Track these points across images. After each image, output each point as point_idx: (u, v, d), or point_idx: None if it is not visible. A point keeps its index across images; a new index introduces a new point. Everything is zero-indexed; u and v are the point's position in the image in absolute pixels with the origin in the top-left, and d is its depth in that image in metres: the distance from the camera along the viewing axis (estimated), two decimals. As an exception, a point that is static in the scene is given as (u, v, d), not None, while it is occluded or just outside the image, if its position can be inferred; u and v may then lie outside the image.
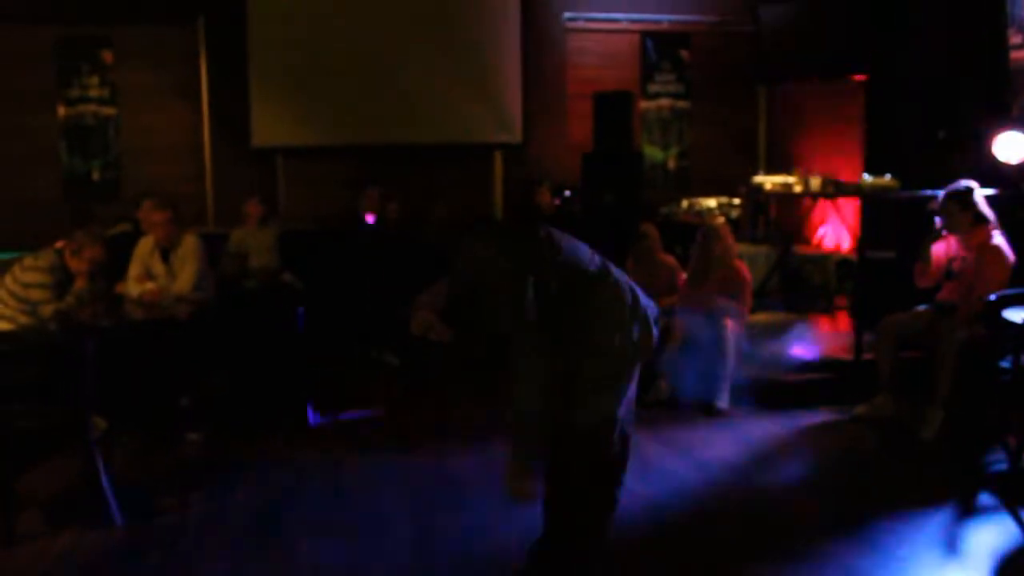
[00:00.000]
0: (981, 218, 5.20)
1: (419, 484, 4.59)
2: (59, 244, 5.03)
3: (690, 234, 8.02)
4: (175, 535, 4.00)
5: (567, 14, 9.17)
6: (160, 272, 5.62)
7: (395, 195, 7.79)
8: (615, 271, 2.94)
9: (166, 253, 5.66)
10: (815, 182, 7.82)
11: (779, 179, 8.22)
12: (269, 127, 8.59)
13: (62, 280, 4.91)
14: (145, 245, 5.71)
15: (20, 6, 8.16)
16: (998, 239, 5.19)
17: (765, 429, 5.31)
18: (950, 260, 5.32)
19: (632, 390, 2.91)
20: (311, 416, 5.60)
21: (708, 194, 8.58)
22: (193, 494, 4.47)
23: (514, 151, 9.06)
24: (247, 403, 5.51)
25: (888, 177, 7.13)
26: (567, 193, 8.52)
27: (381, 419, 5.80)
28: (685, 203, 8.54)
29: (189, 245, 5.67)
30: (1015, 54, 6.63)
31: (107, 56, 8.54)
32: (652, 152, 9.43)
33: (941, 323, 5.17)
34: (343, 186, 8.34)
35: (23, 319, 4.82)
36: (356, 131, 8.74)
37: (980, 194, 5.26)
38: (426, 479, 4.65)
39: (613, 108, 8.06)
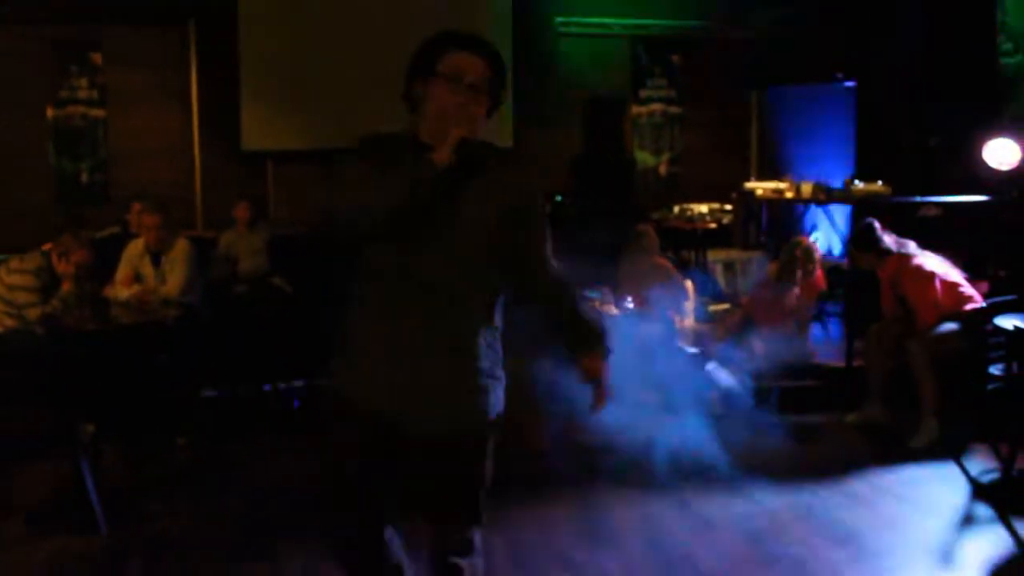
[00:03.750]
0: (884, 252, 5.35)
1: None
2: (46, 247, 4.99)
3: (682, 239, 8.05)
4: (161, 542, 3.96)
5: (559, 18, 9.16)
6: (149, 275, 5.57)
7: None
8: None
9: (156, 256, 5.61)
10: (806, 188, 7.83)
11: (771, 185, 8.24)
12: (258, 131, 8.55)
13: (48, 283, 4.87)
14: (134, 248, 5.66)
15: (12, 8, 8.11)
16: (916, 260, 5.26)
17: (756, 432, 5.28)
18: (893, 285, 5.38)
19: None
20: (299, 419, 5.57)
21: (700, 200, 8.58)
22: (180, 500, 4.43)
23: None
24: (235, 407, 5.48)
25: (879, 183, 7.14)
26: (558, 198, 8.51)
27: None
28: (677, 208, 8.54)
29: (180, 249, 5.63)
30: (1005, 60, 6.65)
31: (96, 58, 8.50)
32: (644, 157, 9.42)
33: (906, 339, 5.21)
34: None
35: (9, 322, 4.78)
36: (346, 135, 8.64)
37: (877, 230, 5.40)
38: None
39: (605, 113, 8.08)
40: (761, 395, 5.45)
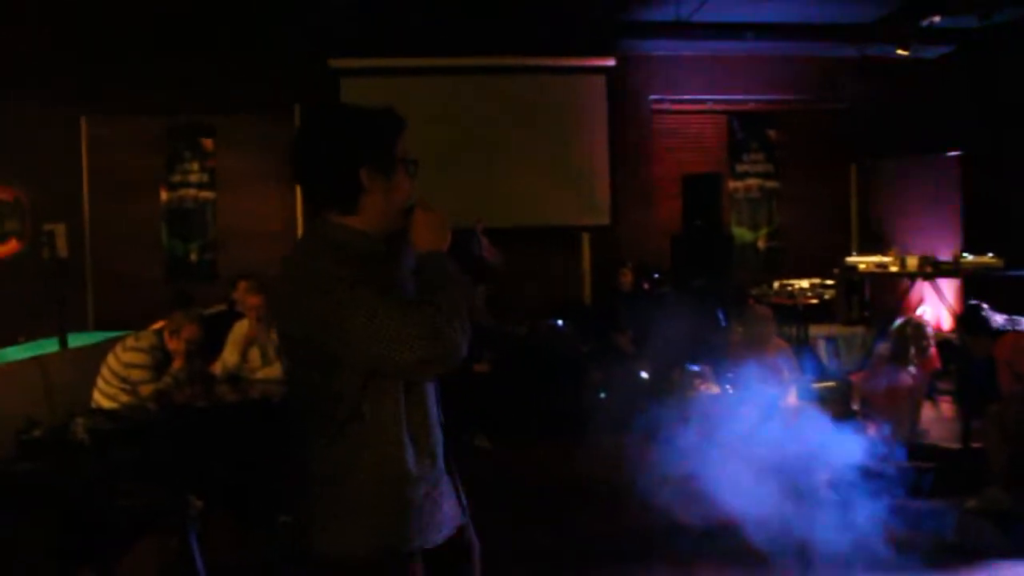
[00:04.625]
0: (996, 332, 5.25)
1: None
2: (158, 324, 5.17)
3: (782, 315, 7.88)
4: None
5: (653, 96, 9.23)
6: (255, 355, 5.71)
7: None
8: None
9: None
10: (912, 261, 7.63)
11: (874, 259, 8.05)
12: (360, 210, 8.75)
13: (161, 360, 5.03)
14: (240, 328, 5.82)
15: (134, 99, 8.57)
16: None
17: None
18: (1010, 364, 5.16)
19: None
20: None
21: (800, 275, 8.42)
22: (283, 577, 4.45)
23: (602, 233, 9.06)
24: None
25: (990, 255, 6.90)
26: (656, 275, 8.46)
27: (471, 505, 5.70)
28: (776, 284, 8.39)
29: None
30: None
31: (208, 143, 8.90)
32: (741, 233, 9.33)
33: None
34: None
35: (124, 398, 4.94)
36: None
37: (985, 310, 5.28)
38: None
39: (701, 189, 8.02)
40: (913, 478, 5.21)
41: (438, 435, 2.16)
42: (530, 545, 4.87)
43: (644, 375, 7.16)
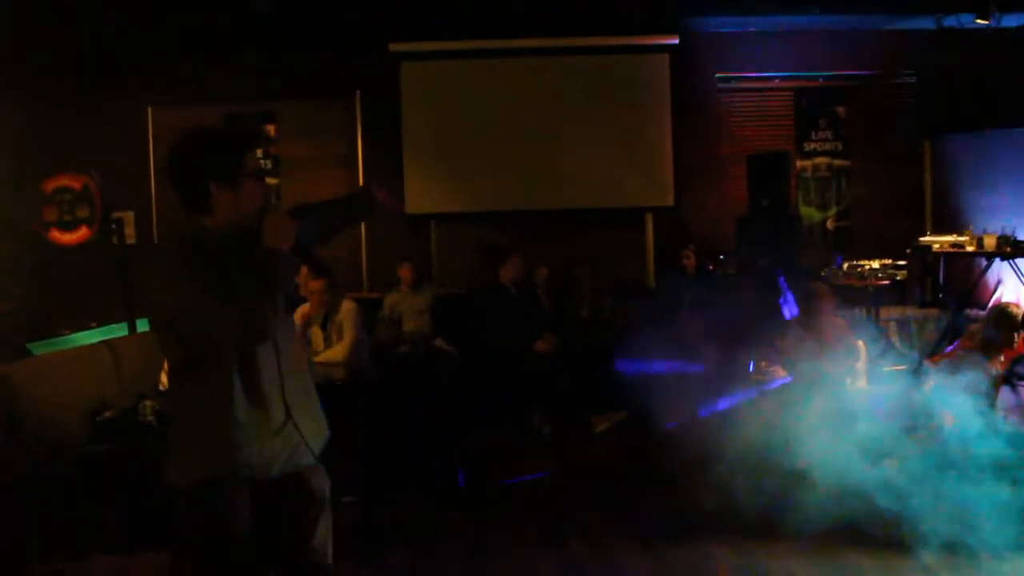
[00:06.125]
0: None
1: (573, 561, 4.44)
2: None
3: (852, 297, 7.68)
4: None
5: (718, 74, 9.05)
6: (317, 338, 5.73)
7: (538, 260, 7.81)
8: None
9: (324, 319, 5.77)
10: (989, 241, 7.36)
11: (948, 238, 7.79)
12: (421, 195, 8.77)
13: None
14: (301, 312, 5.85)
15: (198, 88, 8.69)
16: None
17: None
18: None
19: None
20: (462, 482, 5.55)
21: (870, 256, 8.18)
22: (344, 558, 4.46)
23: (666, 214, 8.93)
24: (400, 467, 5.51)
25: (1074, 234, 6.61)
26: (721, 257, 8.31)
27: (534, 489, 5.67)
28: (846, 265, 8.17)
29: (347, 311, 5.77)
30: None
31: (271, 130, 8.98)
32: (809, 212, 9.11)
33: None
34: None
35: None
36: (506, 198, 8.83)
37: None
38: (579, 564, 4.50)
39: (768, 168, 7.84)
40: None
41: (271, 384, 2.59)
42: (596, 524, 4.83)
43: (710, 357, 7.04)
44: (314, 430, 2.77)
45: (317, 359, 5.67)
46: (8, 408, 4.61)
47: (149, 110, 8.89)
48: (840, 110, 9.15)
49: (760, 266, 7.54)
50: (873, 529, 4.30)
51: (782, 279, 7.08)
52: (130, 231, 8.63)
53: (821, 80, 9.10)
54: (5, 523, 4.07)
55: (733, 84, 9.09)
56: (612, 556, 4.41)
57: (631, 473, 5.75)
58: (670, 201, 8.90)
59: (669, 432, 5.85)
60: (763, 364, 6.02)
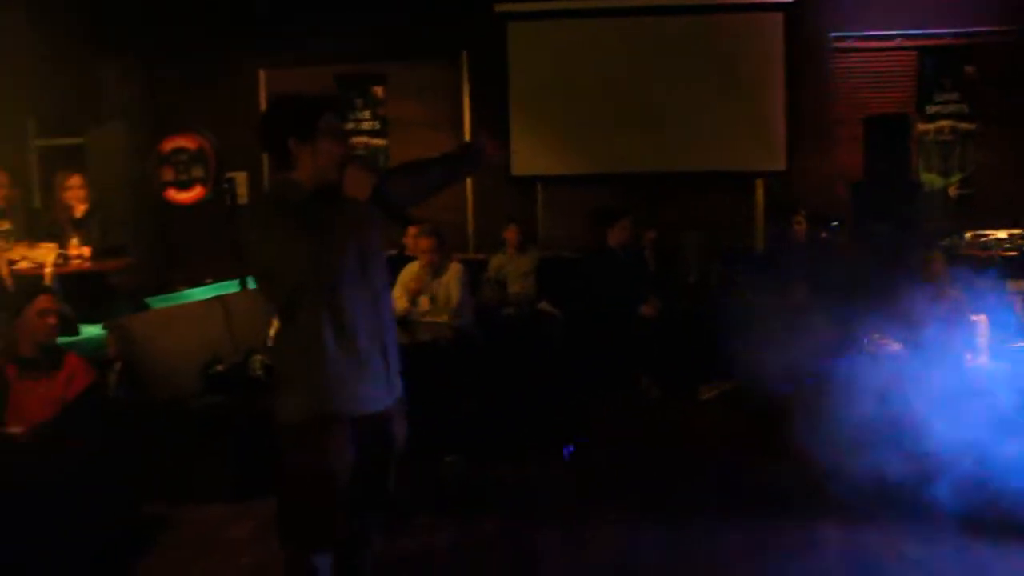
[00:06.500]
0: None
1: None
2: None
3: (976, 269, 7.31)
4: (424, 557, 4.05)
5: (834, 33, 8.68)
6: (424, 297, 5.78)
7: (645, 224, 7.69)
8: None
9: (431, 279, 5.81)
10: None
11: (1084, 207, 7.33)
12: (527, 156, 8.72)
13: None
14: (409, 271, 5.89)
15: (306, 50, 8.81)
16: None
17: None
18: None
19: None
20: (565, 446, 5.53)
21: (996, 225, 7.77)
22: (445, 517, 4.51)
23: (776, 178, 8.67)
24: (503, 428, 5.53)
25: None
26: (834, 224, 8.01)
27: (638, 456, 5.61)
28: (969, 235, 7.77)
29: (453, 272, 5.80)
30: None
31: (379, 91, 9.04)
32: (930, 179, 8.69)
33: None
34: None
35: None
36: (613, 160, 8.71)
37: None
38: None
39: (886, 132, 7.50)
40: None
41: (365, 329, 2.78)
42: (701, 495, 4.76)
43: (820, 327, 6.83)
44: (398, 375, 2.95)
45: (423, 319, 5.71)
46: (127, 358, 4.79)
47: (261, 72, 9.07)
48: (968, 70, 8.66)
49: (876, 234, 7.25)
50: (992, 514, 4.11)
51: (898, 248, 6.80)
52: (242, 191, 8.83)
53: (948, 38, 8.63)
54: (122, 467, 4.24)
55: (851, 43, 8.71)
56: (715, 528, 4.32)
57: (738, 442, 5.63)
58: (781, 165, 8.63)
59: (777, 402, 5.69)
60: (876, 335, 5.81)
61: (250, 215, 2.82)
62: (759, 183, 8.73)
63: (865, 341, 5.82)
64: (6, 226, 6.38)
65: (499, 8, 8.70)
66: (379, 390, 2.84)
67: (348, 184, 2.66)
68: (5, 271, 5.84)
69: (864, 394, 4.79)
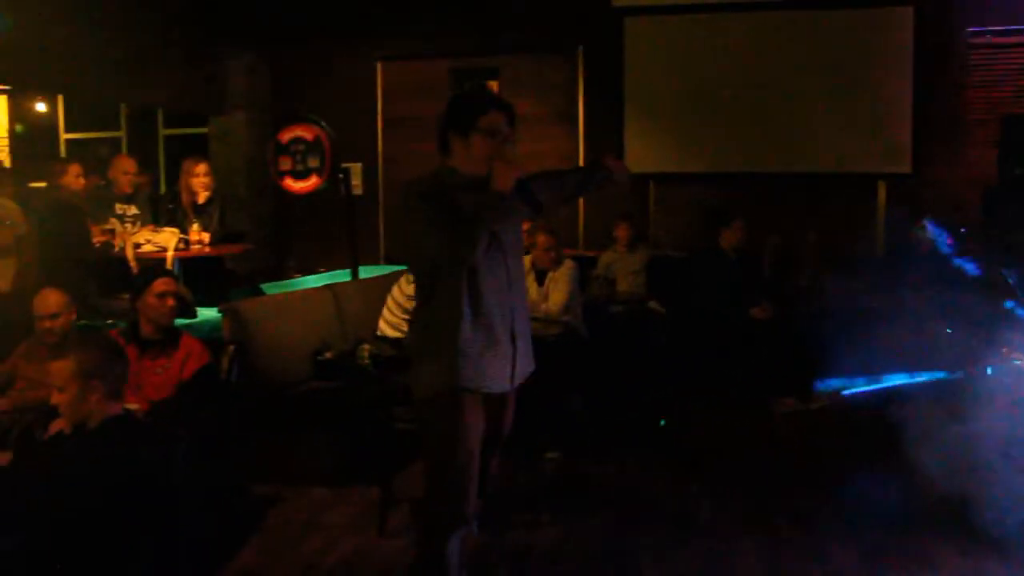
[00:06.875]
0: None
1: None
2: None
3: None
4: (524, 553, 4.03)
5: (970, 28, 8.26)
6: (533, 292, 5.75)
7: (760, 226, 7.48)
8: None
9: (541, 274, 5.78)
10: None
11: None
12: (641, 153, 8.59)
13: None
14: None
15: (423, 44, 8.90)
16: None
17: None
18: None
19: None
20: (671, 445, 5.44)
21: None
22: (546, 513, 4.48)
23: (901, 181, 8.31)
24: (606, 426, 5.47)
25: None
26: (962, 231, 7.63)
27: (744, 462, 5.47)
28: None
29: (564, 268, 5.76)
30: None
31: (494, 85, 9.05)
32: (1072, 184, 8.19)
33: None
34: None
35: (406, 328, 5.14)
36: (728, 159, 8.51)
37: None
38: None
39: (1024, 134, 7.09)
40: None
41: (498, 312, 3.01)
42: (808, 506, 4.59)
43: (939, 339, 6.52)
44: (525, 365, 3.17)
45: (533, 314, 5.68)
46: (240, 341, 4.91)
47: (378, 65, 9.20)
48: (1117, 67, 8.13)
49: (1011, 243, 6.87)
50: None
51: None
52: (356, 182, 8.98)
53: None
54: (233, 448, 4.34)
55: (987, 39, 8.27)
56: (821, 543, 4.16)
57: (849, 453, 5.41)
58: (907, 168, 8.27)
59: (892, 414, 5.45)
60: (1005, 350, 5.51)
61: (405, 192, 3.03)
62: (881, 185, 8.39)
63: (994, 355, 5.53)
64: (132, 210, 6.64)
65: (616, 3, 8.60)
66: (504, 373, 3.06)
67: (496, 176, 2.90)
68: (130, 254, 6.06)
69: (991, 411, 4.54)
